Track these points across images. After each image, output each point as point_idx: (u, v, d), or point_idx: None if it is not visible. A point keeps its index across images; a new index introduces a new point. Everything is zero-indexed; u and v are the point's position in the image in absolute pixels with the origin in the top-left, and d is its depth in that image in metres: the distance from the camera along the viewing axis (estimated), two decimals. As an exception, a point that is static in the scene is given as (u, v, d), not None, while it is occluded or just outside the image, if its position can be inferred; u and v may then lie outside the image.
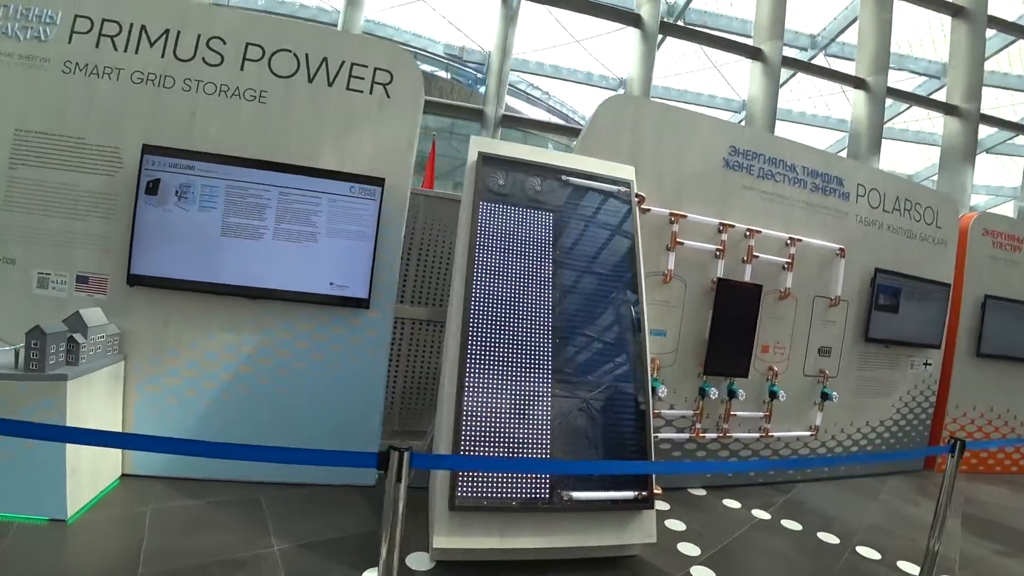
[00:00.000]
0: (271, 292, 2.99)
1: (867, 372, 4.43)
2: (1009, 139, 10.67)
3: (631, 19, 6.90)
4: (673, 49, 10.72)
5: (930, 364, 4.76)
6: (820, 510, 3.67)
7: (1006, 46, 9.23)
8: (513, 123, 6.35)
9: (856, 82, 7.65)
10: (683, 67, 11.06)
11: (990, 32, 8.29)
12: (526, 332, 2.70)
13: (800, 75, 10.12)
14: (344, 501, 2.95)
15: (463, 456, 2.37)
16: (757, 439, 3.92)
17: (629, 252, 3.03)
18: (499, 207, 2.89)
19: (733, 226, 3.66)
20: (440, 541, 2.36)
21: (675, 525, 3.19)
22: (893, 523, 3.61)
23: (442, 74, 13.04)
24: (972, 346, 4.92)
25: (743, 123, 7.81)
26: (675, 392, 3.65)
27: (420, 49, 11.77)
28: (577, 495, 2.49)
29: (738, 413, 3.79)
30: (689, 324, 3.64)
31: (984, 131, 10.64)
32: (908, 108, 10.87)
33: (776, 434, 3.95)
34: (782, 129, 12.18)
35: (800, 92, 11.91)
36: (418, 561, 2.45)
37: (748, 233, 3.71)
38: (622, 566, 2.63)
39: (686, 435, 3.67)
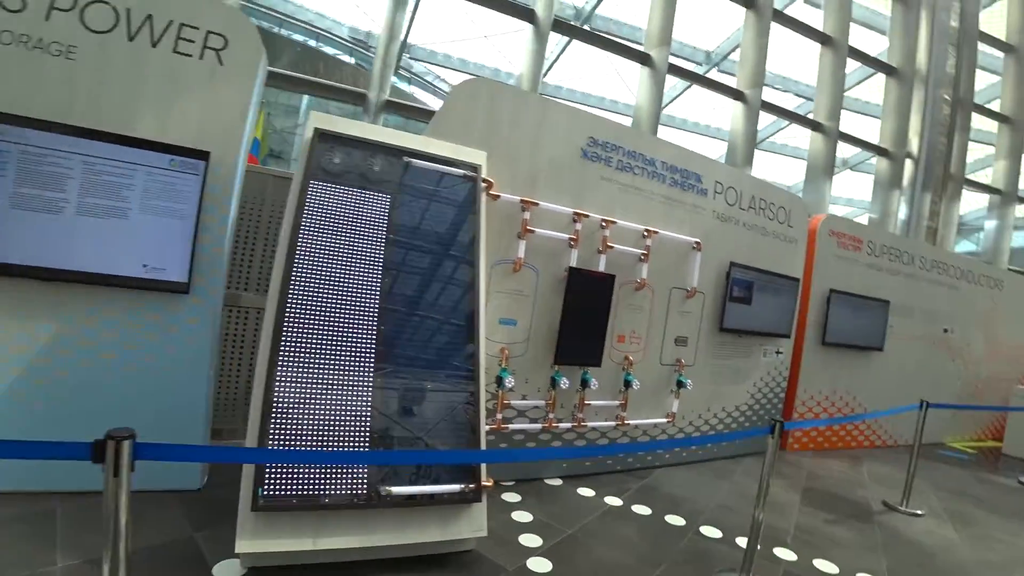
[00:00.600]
0: (71, 274, 2.66)
1: (723, 360, 4.67)
2: (867, 159, 11.87)
3: (526, 15, 6.94)
4: (580, 53, 10.96)
5: (781, 352, 5.11)
6: (672, 494, 3.80)
7: (867, 77, 10.32)
8: (396, 109, 6.16)
9: (735, 94, 8.14)
10: (587, 70, 11.30)
11: (854, 65, 9.27)
12: (349, 318, 2.56)
13: (696, 89, 10.71)
14: (159, 508, 2.66)
15: (226, 448, 2.19)
16: (614, 427, 4.00)
17: (470, 238, 2.97)
18: (332, 187, 2.72)
19: (588, 216, 3.70)
20: (243, 545, 2.17)
21: (522, 516, 3.15)
22: (738, 502, 3.79)
23: (346, 59, 12.55)
24: (819, 335, 5.34)
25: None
26: (527, 382, 3.64)
27: (323, 30, 11.27)
28: (397, 490, 2.37)
29: (593, 402, 3.85)
30: (541, 313, 3.64)
31: (850, 151, 11.86)
32: (788, 125, 11.81)
33: (633, 422, 4.06)
34: (677, 137, 12.82)
35: (696, 104, 12.56)
36: (227, 570, 2.25)
37: (604, 223, 3.77)
38: (452, 563, 2.54)
39: (539, 425, 3.68)
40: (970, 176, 10.78)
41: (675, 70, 7.83)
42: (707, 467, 4.49)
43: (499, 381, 3.39)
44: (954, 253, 7.40)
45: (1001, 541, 3.65)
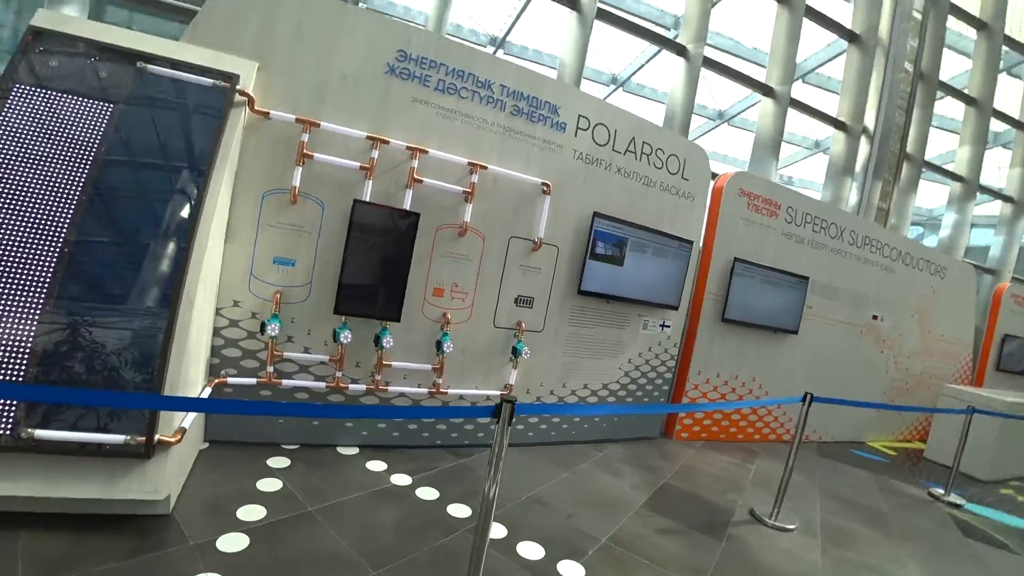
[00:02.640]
0: None
1: (584, 329, 3.99)
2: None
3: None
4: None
5: (668, 326, 4.43)
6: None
7: (840, 53, 9.54)
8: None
9: (678, 49, 7.39)
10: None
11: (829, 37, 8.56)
12: (25, 240, 2.07)
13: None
14: None
15: None
16: (428, 395, 3.32)
17: (204, 159, 2.40)
18: (39, 93, 2.25)
19: (388, 142, 2.99)
20: None
21: (268, 485, 2.58)
22: (562, 497, 3.12)
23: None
24: (718, 310, 4.66)
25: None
26: (310, 333, 2.99)
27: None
28: (41, 434, 1.92)
29: (397, 364, 3.18)
30: (327, 255, 2.96)
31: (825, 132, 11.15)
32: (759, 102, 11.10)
33: (455, 391, 3.39)
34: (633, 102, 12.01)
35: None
36: None
37: (412, 153, 3.06)
38: (129, 526, 2.02)
39: (323, 384, 3.00)
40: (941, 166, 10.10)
41: (605, 15, 7.05)
42: (553, 451, 3.83)
43: (262, 328, 2.72)
44: (891, 231, 6.67)
45: (874, 572, 2.95)
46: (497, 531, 2.59)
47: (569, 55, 6.67)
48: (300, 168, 2.82)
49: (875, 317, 5.81)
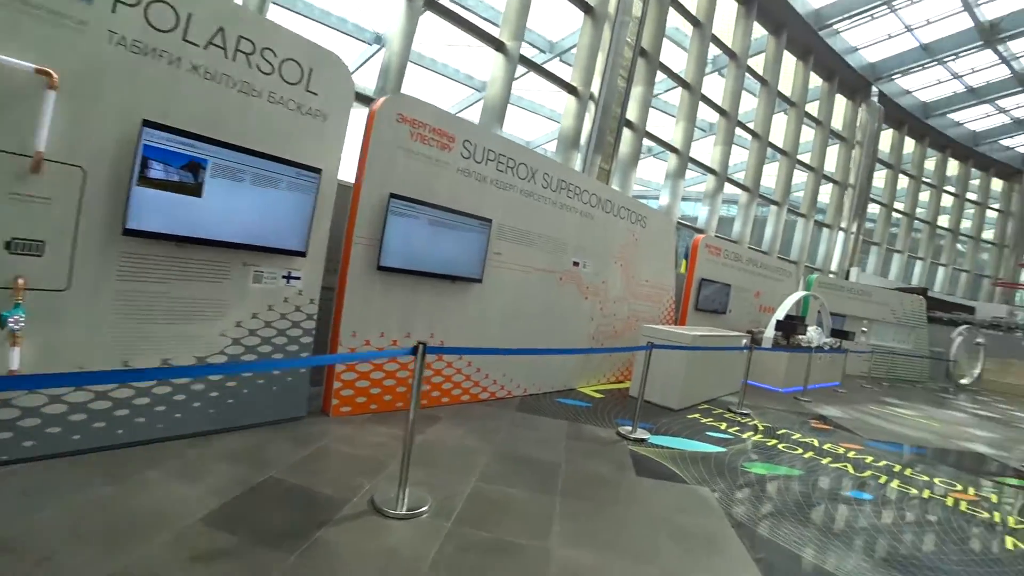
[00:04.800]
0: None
1: (150, 285, 2.89)
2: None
3: None
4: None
5: (297, 278, 3.55)
6: None
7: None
8: None
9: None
10: None
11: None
12: None
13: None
14: None
15: None
16: None
17: None
18: None
19: None
20: None
21: None
22: (59, 529, 2.06)
23: None
24: (372, 257, 3.91)
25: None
26: None
27: None
28: None
29: None
30: None
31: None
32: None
33: None
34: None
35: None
36: None
37: None
38: None
39: None
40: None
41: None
42: (116, 457, 2.69)
43: None
44: (589, 178, 6.72)
45: (501, 552, 2.40)
46: None
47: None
48: None
49: (576, 264, 5.72)
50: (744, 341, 6.53)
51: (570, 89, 9.07)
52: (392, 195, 3.90)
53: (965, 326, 13.30)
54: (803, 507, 3.41)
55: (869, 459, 4.79)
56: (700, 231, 11.82)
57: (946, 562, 2.90)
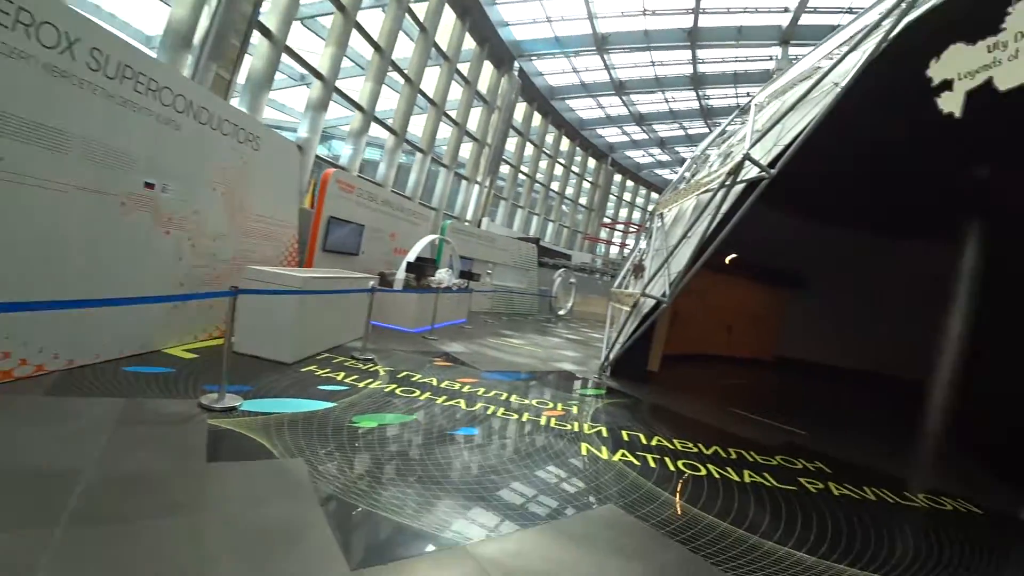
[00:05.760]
0: None
1: None
2: None
3: None
4: None
5: None
6: None
7: None
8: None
9: None
10: None
11: None
12: None
13: None
14: None
15: None
16: None
17: None
18: None
19: None
20: None
21: None
22: None
23: None
24: None
25: None
26: None
27: None
28: None
29: None
30: None
31: None
32: None
33: None
34: None
35: None
36: None
37: None
38: None
39: None
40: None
41: None
42: None
43: None
44: (174, 70, 5.31)
45: None
46: None
47: None
48: None
49: (150, 185, 4.33)
50: (372, 283, 6.32)
51: None
52: None
53: (563, 269, 17.00)
54: (407, 458, 3.31)
55: (481, 391, 5.20)
56: (343, 169, 11.25)
57: (536, 482, 3.22)
